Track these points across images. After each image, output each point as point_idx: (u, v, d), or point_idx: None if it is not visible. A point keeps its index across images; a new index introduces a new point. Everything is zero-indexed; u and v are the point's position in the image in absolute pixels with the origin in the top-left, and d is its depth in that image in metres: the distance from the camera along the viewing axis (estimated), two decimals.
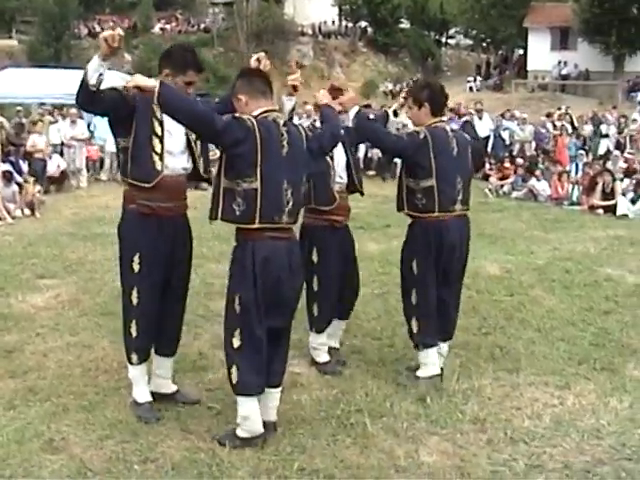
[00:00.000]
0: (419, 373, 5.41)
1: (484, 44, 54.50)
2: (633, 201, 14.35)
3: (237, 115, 4.26)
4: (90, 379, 5.39)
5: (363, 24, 50.48)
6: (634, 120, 22.26)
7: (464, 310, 7.18)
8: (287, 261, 4.30)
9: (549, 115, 22.82)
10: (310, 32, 48.93)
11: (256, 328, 4.25)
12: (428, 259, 5.28)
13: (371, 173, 19.92)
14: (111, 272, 8.70)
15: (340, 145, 5.52)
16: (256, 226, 4.19)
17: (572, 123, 21.80)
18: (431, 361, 5.41)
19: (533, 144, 20.84)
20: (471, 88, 43.61)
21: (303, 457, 4.26)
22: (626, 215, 13.94)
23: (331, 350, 5.93)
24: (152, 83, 4.13)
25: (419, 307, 5.38)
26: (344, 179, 5.72)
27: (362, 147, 19.96)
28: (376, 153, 20.47)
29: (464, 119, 6.24)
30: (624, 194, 14.51)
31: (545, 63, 41.73)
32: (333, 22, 51.17)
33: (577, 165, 18.18)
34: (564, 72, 41.49)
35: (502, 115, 22.46)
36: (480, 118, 21.02)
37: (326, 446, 4.41)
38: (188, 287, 5.01)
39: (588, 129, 21.54)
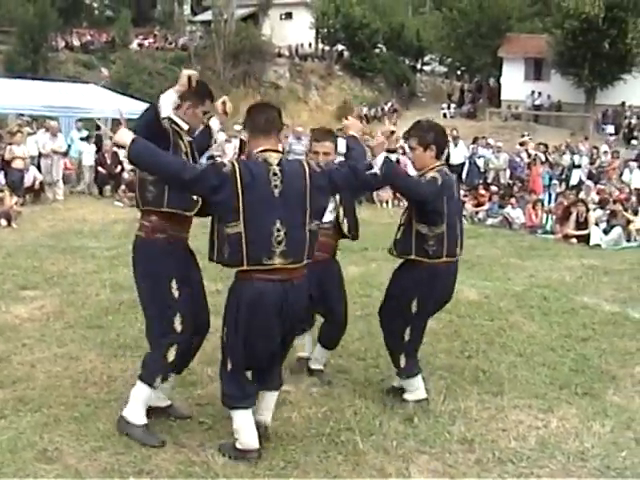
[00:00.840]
0: (406, 396, 5.48)
1: (458, 72, 55.20)
2: (605, 232, 14.64)
3: (215, 162, 4.34)
4: (80, 391, 5.40)
5: (340, 48, 50.89)
6: (605, 152, 22.69)
7: (446, 334, 7.34)
8: (279, 303, 4.26)
9: (523, 144, 23.17)
10: (287, 54, 49.21)
11: (241, 361, 4.39)
12: (430, 301, 5.34)
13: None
14: (93, 286, 8.73)
15: None
16: (245, 268, 4.22)
17: (546, 153, 22.12)
18: (417, 386, 5.49)
19: (508, 172, 21.14)
20: (445, 115, 44.07)
21: (297, 472, 4.32)
22: (599, 245, 14.20)
23: (315, 371, 6.07)
24: (126, 140, 4.14)
25: (410, 344, 5.45)
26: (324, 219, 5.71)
27: None
28: None
29: None
30: (597, 224, 14.78)
31: (518, 93, 42.29)
32: (310, 45, 51.54)
33: (550, 194, 18.52)
34: (537, 102, 42.10)
35: (474, 141, 22.76)
36: (456, 145, 21.34)
37: (318, 462, 4.47)
38: None
39: (567, 159, 21.89)
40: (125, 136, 4.15)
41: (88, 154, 19.18)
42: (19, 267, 9.60)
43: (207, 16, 48.83)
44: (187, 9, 55.77)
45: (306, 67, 48.39)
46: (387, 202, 19.61)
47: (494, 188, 18.29)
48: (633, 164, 20.74)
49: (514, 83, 42.95)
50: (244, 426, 4.42)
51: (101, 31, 48.95)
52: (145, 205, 4.70)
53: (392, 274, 5.62)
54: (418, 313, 5.34)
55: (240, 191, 4.12)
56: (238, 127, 21.06)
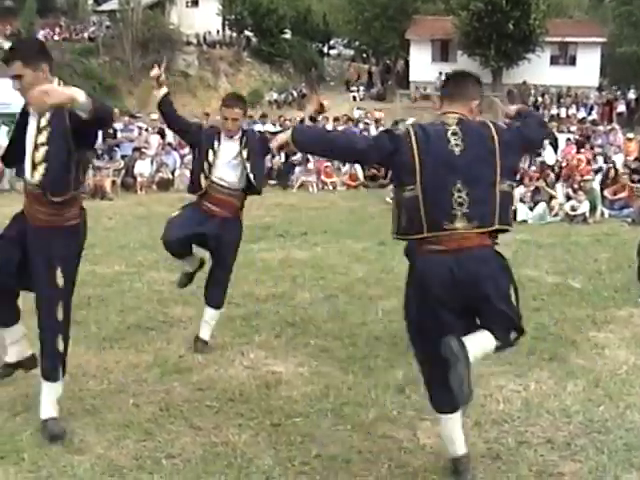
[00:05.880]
0: None
1: (364, 55, 55.90)
2: (530, 208, 15.33)
3: (388, 129, 4.33)
4: (82, 384, 5.50)
5: (247, 34, 50.79)
6: None
7: None
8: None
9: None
10: (195, 42, 48.84)
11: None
12: None
13: (272, 182, 20.29)
14: None
15: None
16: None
17: None
18: None
19: None
20: (354, 97, 44.63)
21: (314, 445, 4.60)
22: (525, 221, 14.86)
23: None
24: (285, 136, 4.07)
25: None
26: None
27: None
28: (277, 163, 20.84)
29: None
30: (522, 201, 15.44)
31: (426, 74, 43.22)
32: (218, 32, 51.26)
33: None
34: None
35: (396, 123, 23.30)
36: (377, 128, 21.84)
37: (331, 434, 4.76)
38: None
39: None
40: (282, 136, 4.13)
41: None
42: None
43: (112, 5, 48.00)
44: None
45: (215, 54, 48.14)
46: (313, 186, 20.00)
47: None
48: (545, 141, 21.64)
49: (422, 65, 43.96)
50: None
51: (5, 22, 47.21)
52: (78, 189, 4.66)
53: None
54: None
55: (416, 152, 3.86)
56: (155, 116, 21.33)
